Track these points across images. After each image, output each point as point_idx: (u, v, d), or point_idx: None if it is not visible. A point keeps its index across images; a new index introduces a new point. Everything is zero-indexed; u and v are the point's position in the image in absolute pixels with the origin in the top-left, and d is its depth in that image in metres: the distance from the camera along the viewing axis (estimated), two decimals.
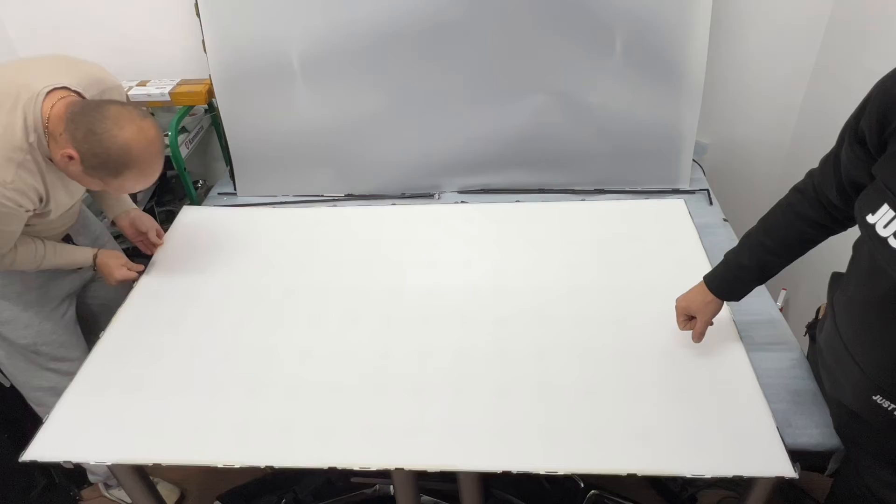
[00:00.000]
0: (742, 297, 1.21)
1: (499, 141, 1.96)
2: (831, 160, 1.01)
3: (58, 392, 1.33)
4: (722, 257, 1.23)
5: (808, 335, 1.33)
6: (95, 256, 1.56)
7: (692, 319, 1.27)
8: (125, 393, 1.32)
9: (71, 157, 1.24)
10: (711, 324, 1.26)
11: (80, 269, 1.61)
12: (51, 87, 1.27)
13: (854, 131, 0.92)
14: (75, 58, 1.43)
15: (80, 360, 1.55)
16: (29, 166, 1.26)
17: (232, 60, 1.88)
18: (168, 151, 1.96)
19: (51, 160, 1.30)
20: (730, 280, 1.20)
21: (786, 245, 1.11)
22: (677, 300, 1.29)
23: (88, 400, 1.32)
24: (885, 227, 0.84)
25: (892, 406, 0.96)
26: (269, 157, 2.02)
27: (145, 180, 1.32)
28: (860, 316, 0.97)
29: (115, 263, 1.55)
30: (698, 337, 1.26)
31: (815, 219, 1.07)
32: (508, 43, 1.83)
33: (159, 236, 1.70)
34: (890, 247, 0.83)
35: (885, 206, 0.84)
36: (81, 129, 1.22)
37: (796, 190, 1.10)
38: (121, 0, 2.03)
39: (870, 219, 0.86)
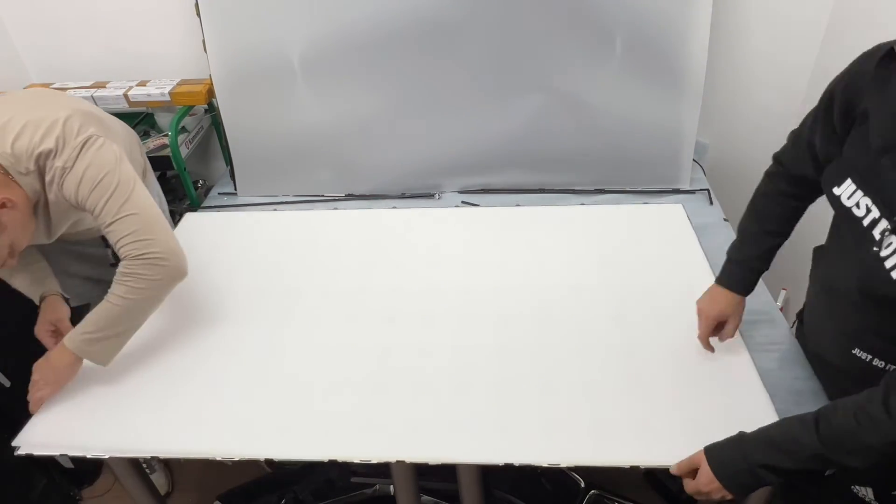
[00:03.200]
0: (753, 288, 1.28)
1: (499, 141, 1.96)
2: (804, 145, 1.10)
3: None
4: (724, 255, 1.29)
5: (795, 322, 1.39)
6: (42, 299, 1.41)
7: (717, 328, 1.29)
8: (122, 387, 1.32)
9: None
10: None
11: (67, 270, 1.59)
12: None
13: (829, 129, 1.04)
14: (58, 94, 1.40)
15: None
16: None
17: (232, 60, 1.88)
18: (169, 151, 1.97)
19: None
20: (747, 274, 1.26)
21: (784, 223, 1.22)
22: (704, 310, 1.29)
23: (84, 393, 1.31)
24: (848, 198, 0.96)
25: (870, 357, 1.04)
26: (269, 157, 2.02)
27: None
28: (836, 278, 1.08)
29: (44, 319, 1.36)
30: (731, 336, 1.30)
31: (797, 193, 1.18)
32: (508, 43, 1.83)
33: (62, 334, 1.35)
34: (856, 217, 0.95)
35: (849, 181, 0.96)
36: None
37: (774, 174, 1.21)
38: (121, 0, 2.03)
39: (836, 191, 0.99)
